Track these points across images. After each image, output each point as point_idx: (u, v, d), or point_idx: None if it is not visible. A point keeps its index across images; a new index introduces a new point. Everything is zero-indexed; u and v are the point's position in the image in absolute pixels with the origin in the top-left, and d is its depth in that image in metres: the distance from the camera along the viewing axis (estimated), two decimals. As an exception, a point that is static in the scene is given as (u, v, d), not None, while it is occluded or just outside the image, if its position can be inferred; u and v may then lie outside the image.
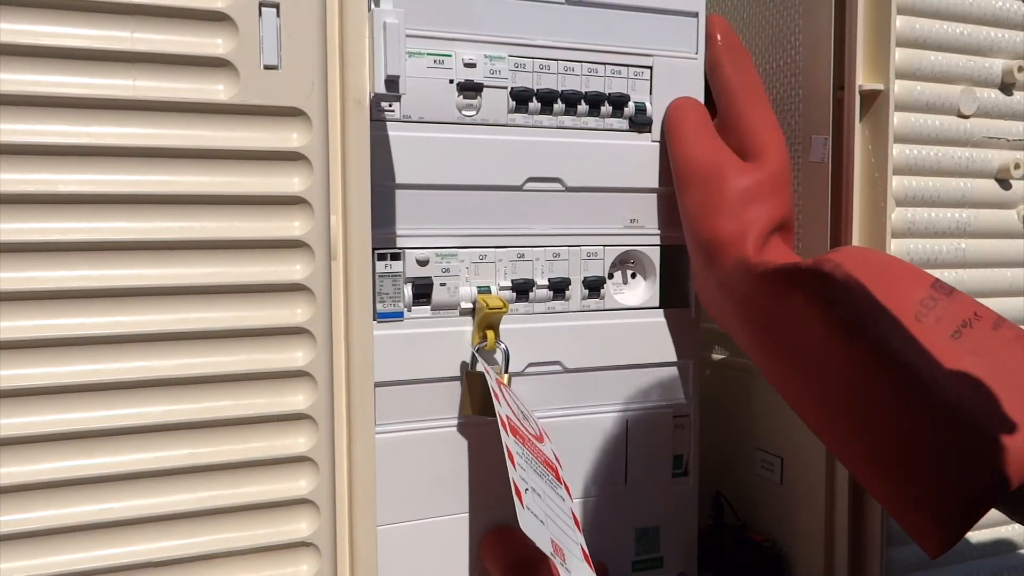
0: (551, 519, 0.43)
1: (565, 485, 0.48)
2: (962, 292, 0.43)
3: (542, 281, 0.52)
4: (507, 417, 0.45)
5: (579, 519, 0.47)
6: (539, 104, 0.51)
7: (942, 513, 0.39)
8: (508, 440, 0.44)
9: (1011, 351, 0.41)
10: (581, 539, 0.45)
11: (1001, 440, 0.38)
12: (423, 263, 0.49)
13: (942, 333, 0.42)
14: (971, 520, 0.39)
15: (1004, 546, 0.59)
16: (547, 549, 0.40)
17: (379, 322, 0.48)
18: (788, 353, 0.46)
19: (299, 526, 0.40)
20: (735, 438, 0.65)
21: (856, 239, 0.53)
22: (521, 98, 0.50)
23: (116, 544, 0.37)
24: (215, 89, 0.38)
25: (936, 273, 0.54)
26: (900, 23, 0.53)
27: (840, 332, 0.43)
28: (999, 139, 0.57)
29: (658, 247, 0.55)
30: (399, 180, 0.48)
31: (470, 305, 0.50)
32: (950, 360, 0.41)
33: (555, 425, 0.52)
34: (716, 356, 0.67)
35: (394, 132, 0.47)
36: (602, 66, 0.52)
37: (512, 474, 0.42)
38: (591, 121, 0.52)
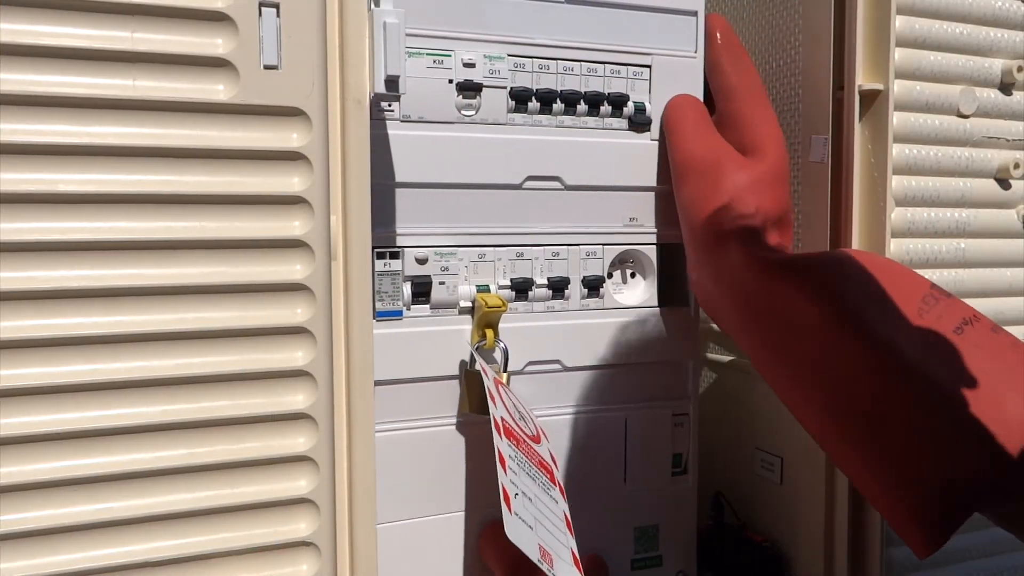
0: (541, 523, 0.43)
1: (560, 487, 0.48)
2: (958, 298, 0.44)
3: (541, 280, 0.52)
4: (501, 419, 0.45)
5: (574, 520, 0.47)
6: (538, 104, 0.51)
7: (931, 511, 0.39)
8: (501, 443, 0.44)
9: (1008, 354, 0.41)
10: (572, 543, 0.45)
11: (997, 436, 0.38)
12: (422, 262, 0.49)
13: (945, 328, 0.42)
14: (959, 518, 0.39)
15: (1004, 546, 0.59)
16: (534, 556, 0.40)
17: (378, 320, 0.48)
18: (783, 344, 0.46)
19: (299, 526, 0.40)
20: (735, 438, 0.65)
21: (856, 239, 0.53)
22: (520, 98, 0.50)
23: (118, 544, 0.37)
24: (215, 89, 0.38)
25: (936, 273, 0.55)
26: (900, 23, 0.53)
27: (841, 324, 0.43)
28: (999, 139, 0.57)
29: (657, 246, 0.55)
30: (399, 179, 0.48)
31: (469, 304, 0.50)
32: (955, 353, 0.41)
33: (554, 424, 0.52)
34: (716, 356, 0.67)
35: (394, 132, 0.47)
36: (601, 65, 0.52)
37: (502, 478, 0.42)
38: (590, 121, 0.52)
